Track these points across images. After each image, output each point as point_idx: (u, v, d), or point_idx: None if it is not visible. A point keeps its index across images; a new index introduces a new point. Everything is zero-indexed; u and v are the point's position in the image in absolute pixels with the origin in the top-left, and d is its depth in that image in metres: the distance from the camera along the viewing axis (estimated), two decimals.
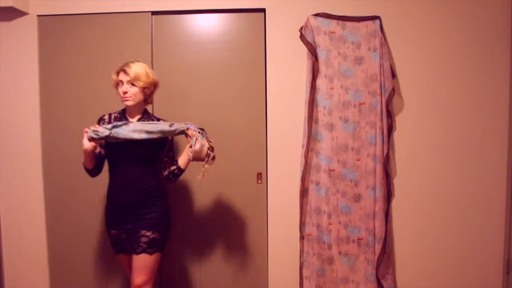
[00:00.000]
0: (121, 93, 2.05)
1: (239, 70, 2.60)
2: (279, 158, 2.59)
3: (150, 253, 2.03)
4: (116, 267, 2.67)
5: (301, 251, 2.56)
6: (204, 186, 2.61)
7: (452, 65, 2.51)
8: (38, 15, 2.61)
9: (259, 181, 2.63)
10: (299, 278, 2.58)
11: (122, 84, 2.04)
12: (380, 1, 2.50)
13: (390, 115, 2.50)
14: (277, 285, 2.63)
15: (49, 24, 2.62)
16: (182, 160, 2.10)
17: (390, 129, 2.52)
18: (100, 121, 2.14)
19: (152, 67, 2.58)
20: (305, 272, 2.56)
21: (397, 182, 2.57)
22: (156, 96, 2.39)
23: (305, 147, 2.50)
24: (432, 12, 2.49)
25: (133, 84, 2.04)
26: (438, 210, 2.56)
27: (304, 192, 2.54)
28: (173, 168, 2.11)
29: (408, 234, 2.58)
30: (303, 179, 2.51)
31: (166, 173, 2.12)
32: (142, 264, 2.01)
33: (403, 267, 2.59)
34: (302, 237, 2.56)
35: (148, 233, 2.03)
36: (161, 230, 2.09)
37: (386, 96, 2.45)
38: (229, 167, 2.62)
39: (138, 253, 2.02)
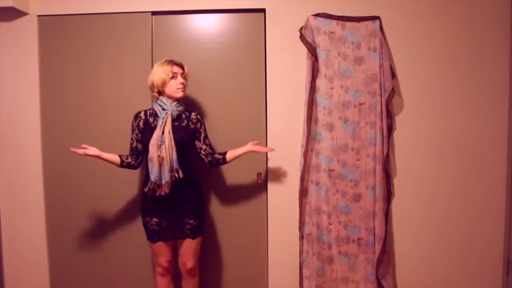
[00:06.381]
0: (178, 85, 2.18)
1: (239, 70, 2.60)
2: (279, 158, 2.59)
3: (193, 238, 2.24)
4: (115, 268, 2.68)
5: (301, 251, 2.56)
6: (204, 186, 2.60)
7: (452, 65, 2.51)
8: (38, 15, 2.61)
9: (259, 180, 2.63)
10: (299, 278, 2.58)
11: (176, 77, 2.18)
12: (380, 1, 2.50)
13: (390, 115, 2.50)
14: (277, 285, 2.63)
15: (49, 24, 2.62)
16: (231, 155, 2.31)
17: (390, 129, 2.52)
18: (137, 118, 2.25)
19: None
20: (305, 272, 2.56)
21: (397, 182, 2.57)
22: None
23: (304, 147, 2.50)
24: (432, 12, 2.49)
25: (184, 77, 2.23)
26: (438, 210, 2.56)
27: (303, 192, 2.54)
28: (219, 157, 2.31)
29: (408, 234, 2.58)
30: (302, 179, 2.52)
31: (210, 159, 2.31)
32: (189, 250, 2.24)
33: (403, 267, 2.59)
34: (302, 237, 2.56)
35: (191, 221, 2.22)
36: (201, 217, 2.28)
37: (386, 96, 2.45)
38: (229, 167, 2.61)
39: (181, 239, 2.24)
